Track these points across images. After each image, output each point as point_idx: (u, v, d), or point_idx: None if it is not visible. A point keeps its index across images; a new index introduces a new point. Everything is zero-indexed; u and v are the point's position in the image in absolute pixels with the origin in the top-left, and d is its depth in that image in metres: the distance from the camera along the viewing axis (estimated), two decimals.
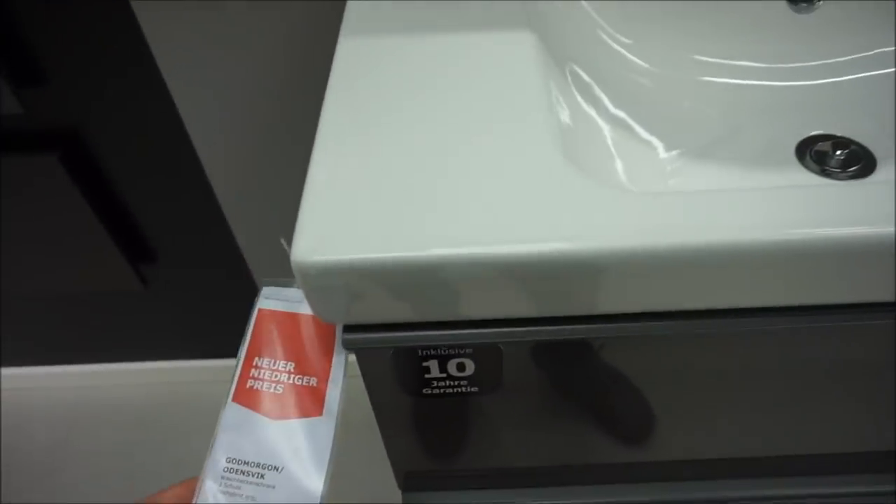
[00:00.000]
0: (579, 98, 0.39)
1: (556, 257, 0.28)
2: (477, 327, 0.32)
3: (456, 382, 0.37)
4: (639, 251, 0.27)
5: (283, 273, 0.33)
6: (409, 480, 0.48)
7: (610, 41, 0.45)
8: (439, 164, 0.32)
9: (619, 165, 0.39)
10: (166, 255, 0.87)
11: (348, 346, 0.33)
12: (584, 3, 0.44)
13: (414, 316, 0.31)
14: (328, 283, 0.29)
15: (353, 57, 0.39)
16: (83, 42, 0.63)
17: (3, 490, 0.98)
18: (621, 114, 0.40)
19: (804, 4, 0.47)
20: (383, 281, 0.29)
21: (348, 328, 0.33)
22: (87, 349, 1.04)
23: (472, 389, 0.37)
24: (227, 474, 0.30)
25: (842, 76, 0.46)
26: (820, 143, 0.43)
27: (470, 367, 0.36)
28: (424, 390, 0.37)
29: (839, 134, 0.43)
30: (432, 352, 0.34)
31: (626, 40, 0.45)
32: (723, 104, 0.43)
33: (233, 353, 0.33)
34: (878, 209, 0.28)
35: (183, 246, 0.86)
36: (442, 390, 0.37)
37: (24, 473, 1.01)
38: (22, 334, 1.01)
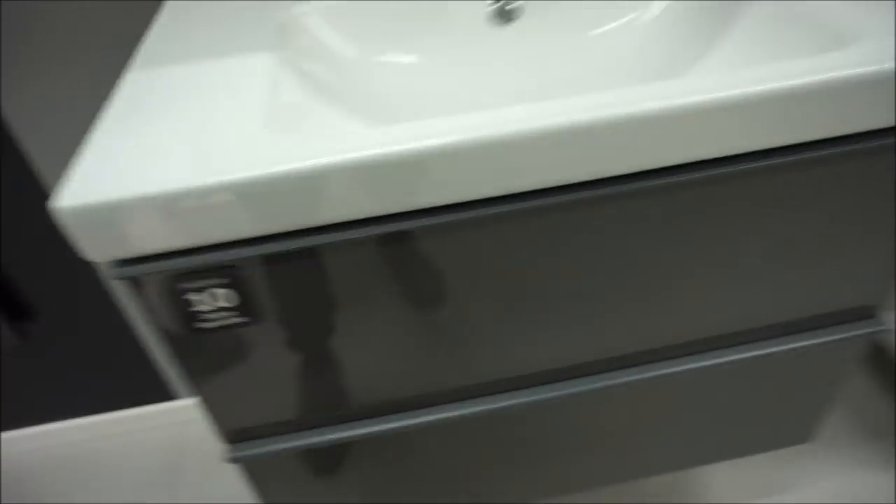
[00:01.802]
0: (297, 85, 0.52)
1: (251, 180, 0.38)
2: (223, 250, 0.42)
3: (226, 314, 0.46)
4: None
5: None
6: (230, 433, 0.56)
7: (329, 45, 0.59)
8: (192, 120, 0.43)
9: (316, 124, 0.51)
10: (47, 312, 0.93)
11: (120, 277, 0.42)
12: (308, 10, 0.58)
13: (166, 244, 0.40)
14: (81, 221, 0.38)
15: (144, 70, 0.50)
16: None
17: None
18: (329, 95, 0.54)
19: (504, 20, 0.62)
20: (132, 215, 0.39)
21: (118, 263, 0.42)
22: None
23: (243, 320, 0.47)
24: None
25: None
26: None
27: (232, 297, 0.45)
28: (195, 324, 0.46)
29: None
30: (191, 284, 0.44)
31: (343, 42, 0.59)
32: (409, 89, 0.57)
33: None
34: None
35: (63, 304, 0.93)
36: (214, 323, 0.46)
37: None
38: None
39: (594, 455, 0.69)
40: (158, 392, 1.07)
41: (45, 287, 0.90)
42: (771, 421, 0.72)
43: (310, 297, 0.47)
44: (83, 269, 0.89)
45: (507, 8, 0.61)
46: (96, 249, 0.40)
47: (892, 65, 0.41)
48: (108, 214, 0.38)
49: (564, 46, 0.61)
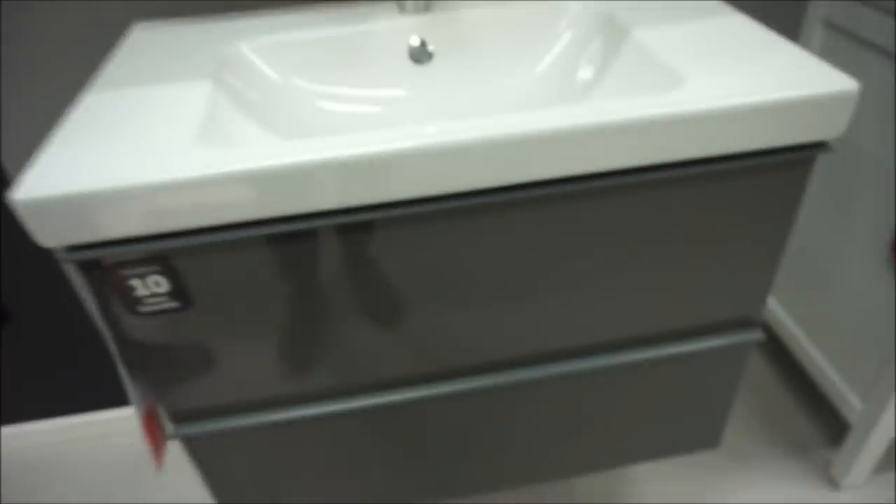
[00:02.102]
0: (232, 107, 0.60)
1: (171, 182, 0.46)
2: (157, 241, 0.50)
3: (160, 299, 0.53)
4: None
5: None
6: (174, 413, 0.63)
7: (260, 69, 0.68)
8: (139, 133, 0.51)
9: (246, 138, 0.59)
10: (19, 314, 1.00)
11: (70, 261, 0.49)
12: (245, 49, 0.67)
13: (106, 233, 0.48)
14: (33, 211, 0.46)
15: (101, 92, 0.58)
16: None
17: None
18: (253, 116, 0.63)
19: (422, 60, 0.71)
20: (76, 208, 0.46)
21: (69, 249, 0.49)
22: None
23: (175, 305, 0.54)
24: None
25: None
26: None
27: (164, 284, 0.53)
28: (139, 308, 0.53)
29: None
30: (131, 271, 0.51)
31: (274, 74, 0.67)
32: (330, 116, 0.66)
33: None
34: None
35: (34, 305, 1.00)
36: (152, 307, 0.54)
37: None
38: None
39: (501, 455, 0.75)
40: (123, 396, 1.13)
41: (18, 290, 0.97)
42: (678, 424, 0.78)
43: (233, 286, 0.54)
44: (56, 275, 0.96)
45: (426, 49, 0.70)
46: (47, 236, 0.47)
47: (720, 103, 0.49)
48: (55, 206, 0.46)
49: (473, 83, 0.70)
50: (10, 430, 1.14)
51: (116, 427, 1.16)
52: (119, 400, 1.14)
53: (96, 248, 0.49)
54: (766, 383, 1.15)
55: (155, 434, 0.60)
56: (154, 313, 0.54)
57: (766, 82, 0.51)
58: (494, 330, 0.62)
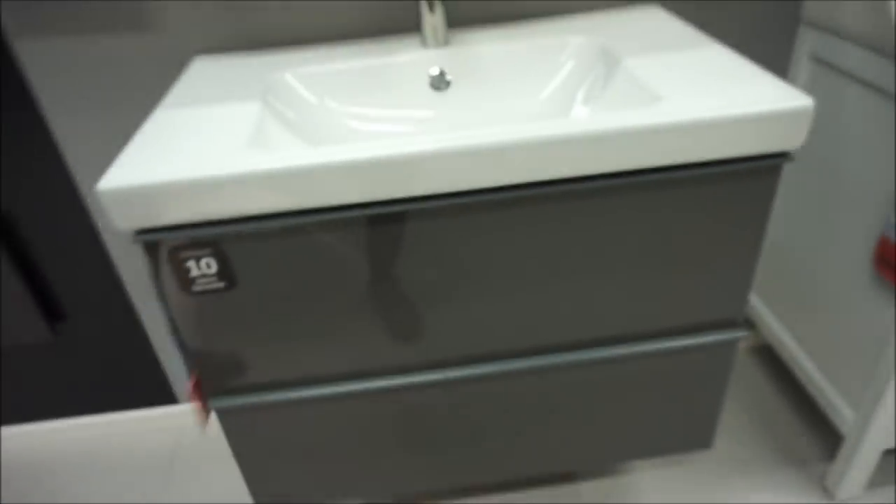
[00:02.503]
0: (277, 123, 0.70)
1: (226, 177, 0.56)
2: (211, 227, 0.59)
3: (210, 279, 0.63)
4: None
5: None
6: (214, 388, 0.71)
7: (301, 94, 0.78)
8: (199, 140, 0.61)
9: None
10: (74, 314, 1.10)
11: (142, 242, 0.58)
12: (289, 77, 0.78)
13: (169, 219, 0.57)
14: (111, 200, 0.56)
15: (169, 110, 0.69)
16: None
17: None
18: (292, 130, 0.73)
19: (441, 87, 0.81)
20: (147, 197, 0.56)
21: (139, 232, 0.59)
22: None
23: (221, 285, 0.63)
24: None
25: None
26: None
27: (214, 265, 0.62)
28: (192, 287, 0.63)
29: None
30: (188, 252, 0.60)
31: (311, 97, 0.78)
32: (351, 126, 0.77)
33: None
34: None
35: (88, 308, 1.10)
36: (203, 287, 0.63)
37: None
38: None
39: (497, 444, 0.82)
40: (163, 395, 1.23)
41: (75, 292, 1.08)
42: (671, 423, 0.84)
43: (272, 270, 0.63)
44: (110, 280, 1.07)
45: (444, 78, 0.81)
46: (122, 220, 0.57)
47: (690, 116, 0.58)
48: (130, 195, 0.56)
49: (485, 106, 0.80)
50: (59, 425, 1.23)
51: (154, 424, 1.25)
52: (157, 399, 1.23)
53: (161, 231, 0.59)
54: (767, 397, 1.19)
55: (201, 397, 0.68)
56: (204, 292, 0.63)
57: (735, 100, 0.60)
58: (498, 318, 0.70)
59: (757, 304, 1.17)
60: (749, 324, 1.26)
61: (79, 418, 1.24)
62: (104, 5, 0.82)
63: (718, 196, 0.64)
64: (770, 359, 1.27)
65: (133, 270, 1.07)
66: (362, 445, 0.79)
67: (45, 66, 0.86)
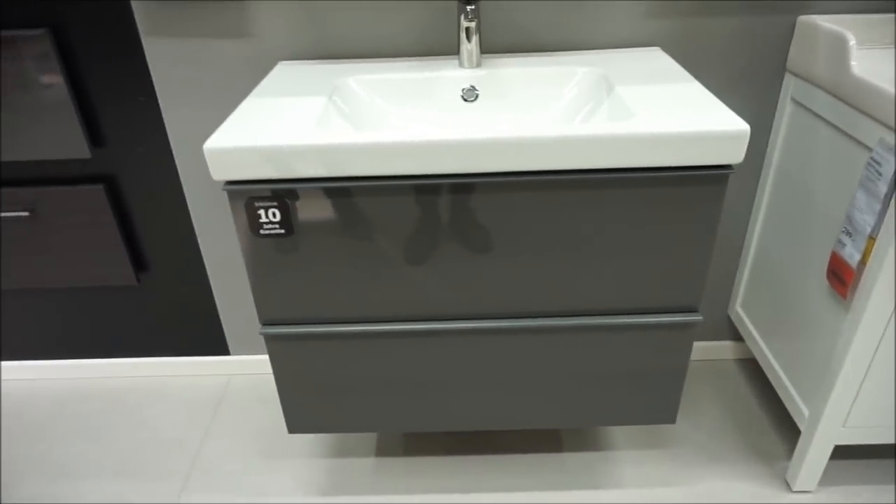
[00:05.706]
0: (337, 114, 0.91)
1: (300, 146, 0.76)
2: (280, 183, 0.79)
3: (274, 226, 0.83)
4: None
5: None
6: (266, 318, 0.91)
7: (358, 94, 0.98)
8: (278, 121, 0.81)
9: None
10: (154, 267, 1.33)
11: (228, 191, 0.79)
12: (351, 81, 0.98)
13: (252, 175, 0.78)
14: (215, 157, 0.76)
15: (262, 95, 0.91)
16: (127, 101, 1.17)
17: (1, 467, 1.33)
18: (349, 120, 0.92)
19: (470, 98, 1.00)
20: (240, 157, 0.77)
21: (228, 183, 0.79)
22: (81, 345, 1.46)
23: (281, 231, 0.83)
24: None
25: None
26: None
27: (278, 215, 0.82)
28: (260, 231, 0.83)
29: None
30: (260, 203, 0.80)
31: (365, 96, 0.98)
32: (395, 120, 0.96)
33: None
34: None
35: (167, 264, 1.33)
36: (268, 231, 0.83)
37: (21, 449, 1.36)
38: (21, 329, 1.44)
39: (494, 395, 0.98)
40: (219, 346, 1.44)
41: (158, 248, 1.31)
42: (638, 394, 0.99)
43: (324, 223, 0.83)
44: (189, 245, 1.29)
45: (474, 92, 1.00)
46: (218, 172, 0.78)
47: (654, 129, 0.75)
48: (226, 154, 0.76)
49: (505, 117, 0.99)
50: (134, 361, 1.46)
51: (209, 370, 1.47)
52: (213, 350, 1.45)
53: (242, 184, 0.79)
54: (749, 403, 1.31)
55: None
56: (268, 236, 0.83)
57: (689, 121, 0.76)
58: (502, 282, 0.87)
59: (743, 317, 1.30)
60: (736, 336, 1.38)
61: (148, 358, 1.46)
62: (216, 14, 1.05)
63: (678, 197, 0.80)
64: (755, 370, 1.39)
65: (210, 238, 1.28)
66: (383, 383, 0.97)
67: (164, 59, 1.10)
